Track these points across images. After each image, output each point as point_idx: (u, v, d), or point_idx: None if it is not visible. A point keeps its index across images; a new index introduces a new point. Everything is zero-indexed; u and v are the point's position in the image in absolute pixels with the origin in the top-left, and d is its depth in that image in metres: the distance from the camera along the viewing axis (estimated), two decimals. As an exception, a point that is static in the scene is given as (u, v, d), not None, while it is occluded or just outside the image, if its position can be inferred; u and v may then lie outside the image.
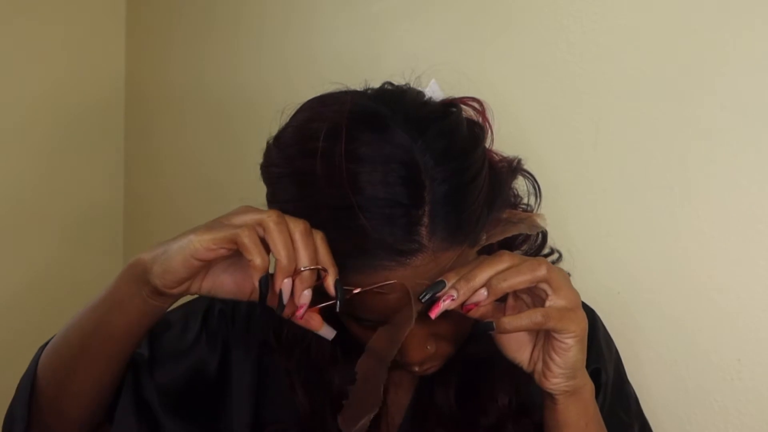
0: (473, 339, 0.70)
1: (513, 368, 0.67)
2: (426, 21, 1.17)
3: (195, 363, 0.78)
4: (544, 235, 0.75)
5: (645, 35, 0.94)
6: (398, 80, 0.71)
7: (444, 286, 0.60)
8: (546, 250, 0.77)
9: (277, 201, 0.65)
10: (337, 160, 0.59)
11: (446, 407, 0.74)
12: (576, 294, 0.63)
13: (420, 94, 0.68)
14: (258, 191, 0.68)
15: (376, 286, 0.61)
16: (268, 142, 0.67)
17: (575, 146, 1.01)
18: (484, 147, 0.67)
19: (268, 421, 0.77)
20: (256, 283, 0.59)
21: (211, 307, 0.80)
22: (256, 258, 0.58)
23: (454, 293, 0.60)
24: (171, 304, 0.68)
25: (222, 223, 0.61)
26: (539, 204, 0.75)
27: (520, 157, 0.72)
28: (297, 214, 0.60)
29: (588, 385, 0.67)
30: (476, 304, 0.61)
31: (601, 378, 0.77)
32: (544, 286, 0.62)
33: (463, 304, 0.61)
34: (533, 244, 0.75)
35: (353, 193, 0.59)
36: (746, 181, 0.87)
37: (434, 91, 0.70)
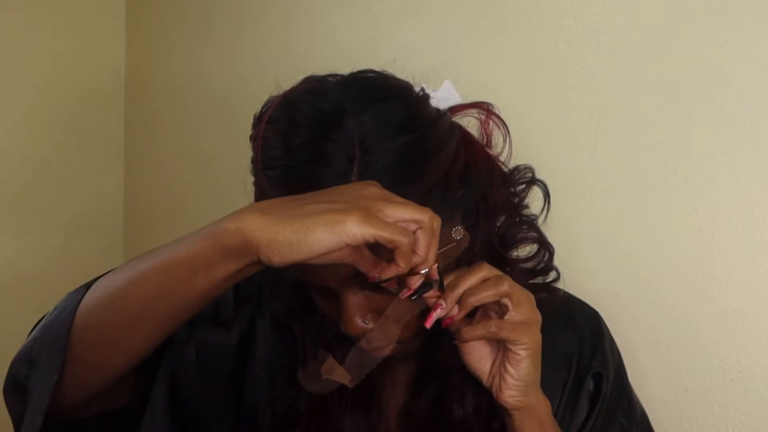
0: (444, 348, 0.74)
1: None
2: (426, 21, 1.17)
3: (224, 327, 0.81)
4: (551, 253, 0.79)
5: (645, 35, 0.94)
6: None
7: (431, 288, 0.63)
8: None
9: (262, 160, 0.67)
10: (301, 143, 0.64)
11: (423, 413, 0.76)
12: (535, 314, 0.68)
13: (382, 77, 0.70)
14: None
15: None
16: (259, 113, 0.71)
17: (575, 146, 1.01)
18: (432, 138, 0.66)
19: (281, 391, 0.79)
20: (385, 276, 0.59)
21: None
22: (406, 266, 0.58)
23: (443, 303, 0.66)
24: None
25: (375, 213, 0.57)
26: (547, 213, 0.79)
27: (531, 165, 0.77)
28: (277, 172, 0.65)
29: (542, 403, 0.71)
30: (452, 318, 0.67)
31: (602, 383, 0.79)
32: (506, 300, 0.67)
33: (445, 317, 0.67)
34: (542, 259, 0.78)
35: (322, 166, 0.63)
36: (746, 180, 0.87)
37: (448, 91, 0.71)
